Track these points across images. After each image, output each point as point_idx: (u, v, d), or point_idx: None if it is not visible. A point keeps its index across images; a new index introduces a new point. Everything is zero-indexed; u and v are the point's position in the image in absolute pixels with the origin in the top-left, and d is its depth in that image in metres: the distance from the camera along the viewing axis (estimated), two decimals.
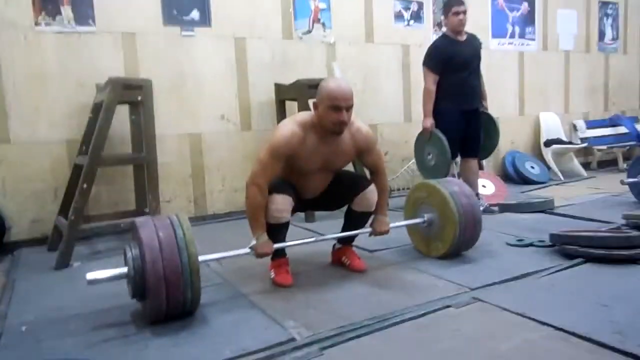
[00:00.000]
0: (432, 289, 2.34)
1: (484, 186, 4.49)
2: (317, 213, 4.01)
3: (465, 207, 2.69)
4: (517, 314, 1.97)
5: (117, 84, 3.07)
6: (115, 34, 3.69)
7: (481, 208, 4.03)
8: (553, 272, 2.47)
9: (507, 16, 5.73)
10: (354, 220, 2.67)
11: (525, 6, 5.87)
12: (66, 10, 3.48)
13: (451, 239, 2.69)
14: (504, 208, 4.09)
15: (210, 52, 4.06)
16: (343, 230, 2.72)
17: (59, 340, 1.97)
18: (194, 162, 4.08)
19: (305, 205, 2.70)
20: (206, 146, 4.12)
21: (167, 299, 1.98)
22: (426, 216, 2.82)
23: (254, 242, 2.36)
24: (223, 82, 4.14)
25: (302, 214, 3.95)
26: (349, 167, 2.84)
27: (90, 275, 2.01)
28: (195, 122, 4.06)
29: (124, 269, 2.06)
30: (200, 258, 2.09)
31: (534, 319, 1.91)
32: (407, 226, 2.98)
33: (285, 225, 2.47)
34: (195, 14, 3.94)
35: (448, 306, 2.10)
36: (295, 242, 2.54)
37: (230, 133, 4.19)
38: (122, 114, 3.44)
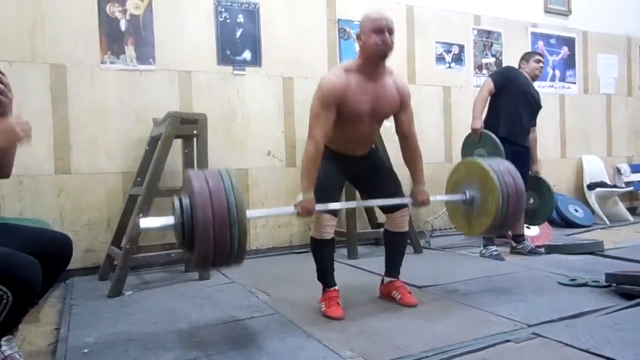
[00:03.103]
0: (486, 323, 2.31)
1: (528, 227, 4.42)
2: (360, 250, 4.04)
3: (505, 176, 2.61)
4: (582, 350, 1.91)
5: (176, 118, 3.19)
6: (173, 72, 3.87)
7: (527, 249, 4.00)
8: (613, 311, 2.39)
9: (547, 60, 5.77)
10: (392, 244, 2.75)
11: (565, 50, 5.92)
12: (129, 50, 3.69)
13: (494, 209, 2.57)
14: (551, 249, 4.01)
15: (259, 90, 4.20)
16: (386, 256, 2.77)
17: None
18: None
19: (352, 177, 2.71)
20: (252, 181, 4.20)
21: (215, 243, 1.93)
22: (467, 192, 2.74)
23: (300, 198, 2.38)
24: (270, 119, 4.26)
25: (345, 252, 3.99)
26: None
27: (143, 223, 2.05)
28: (243, 157, 4.16)
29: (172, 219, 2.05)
30: (248, 213, 2.06)
31: (600, 355, 1.85)
32: (448, 206, 2.94)
33: (329, 243, 2.55)
34: (247, 55, 4.12)
35: (507, 341, 2.06)
36: (338, 204, 2.53)
37: (275, 169, 4.28)
38: (174, 147, 3.56)
